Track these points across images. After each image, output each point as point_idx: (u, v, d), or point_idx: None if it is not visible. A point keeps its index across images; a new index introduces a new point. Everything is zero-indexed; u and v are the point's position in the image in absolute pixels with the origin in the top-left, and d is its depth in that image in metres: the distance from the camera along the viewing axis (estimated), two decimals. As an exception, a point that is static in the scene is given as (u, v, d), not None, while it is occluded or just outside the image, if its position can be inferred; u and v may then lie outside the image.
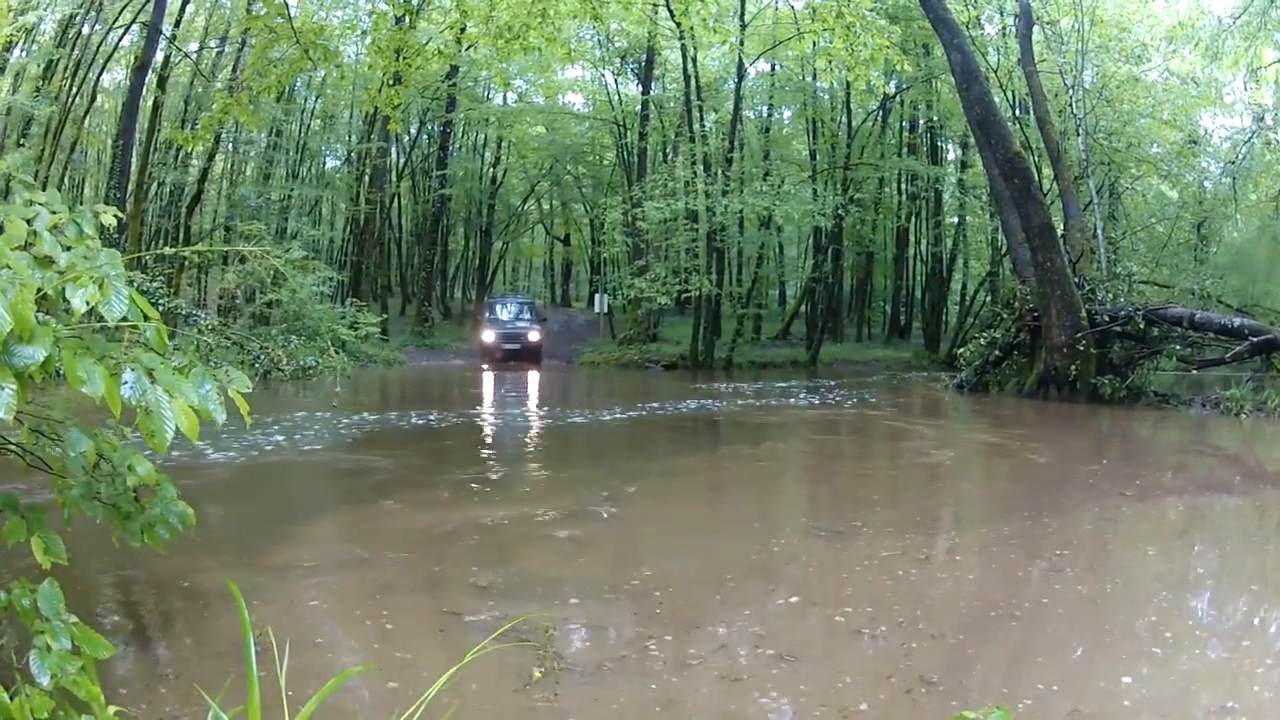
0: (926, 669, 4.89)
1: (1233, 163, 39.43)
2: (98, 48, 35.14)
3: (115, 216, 4.09)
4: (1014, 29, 30.60)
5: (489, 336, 39.11)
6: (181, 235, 39.25)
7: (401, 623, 5.56)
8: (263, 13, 16.12)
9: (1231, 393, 19.36)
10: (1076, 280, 22.10)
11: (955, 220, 48.95)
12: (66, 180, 37.98)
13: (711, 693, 4.62)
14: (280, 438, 13.55)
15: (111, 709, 3.22)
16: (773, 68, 47.07)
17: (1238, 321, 21.00)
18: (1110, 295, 22.59)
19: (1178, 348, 21.48)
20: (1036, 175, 26.32)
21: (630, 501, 9.84)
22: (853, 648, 5.34)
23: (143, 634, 5.23)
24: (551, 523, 8.61)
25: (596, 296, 48.80)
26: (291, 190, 44.80)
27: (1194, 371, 23.06)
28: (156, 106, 34.61)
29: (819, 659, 5.16)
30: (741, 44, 33.25)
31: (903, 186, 48.13)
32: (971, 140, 34.72)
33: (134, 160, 30.45)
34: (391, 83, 17.54)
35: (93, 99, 37.75)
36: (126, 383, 3.24)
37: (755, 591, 6.58)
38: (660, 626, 5.50)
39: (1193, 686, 4.85)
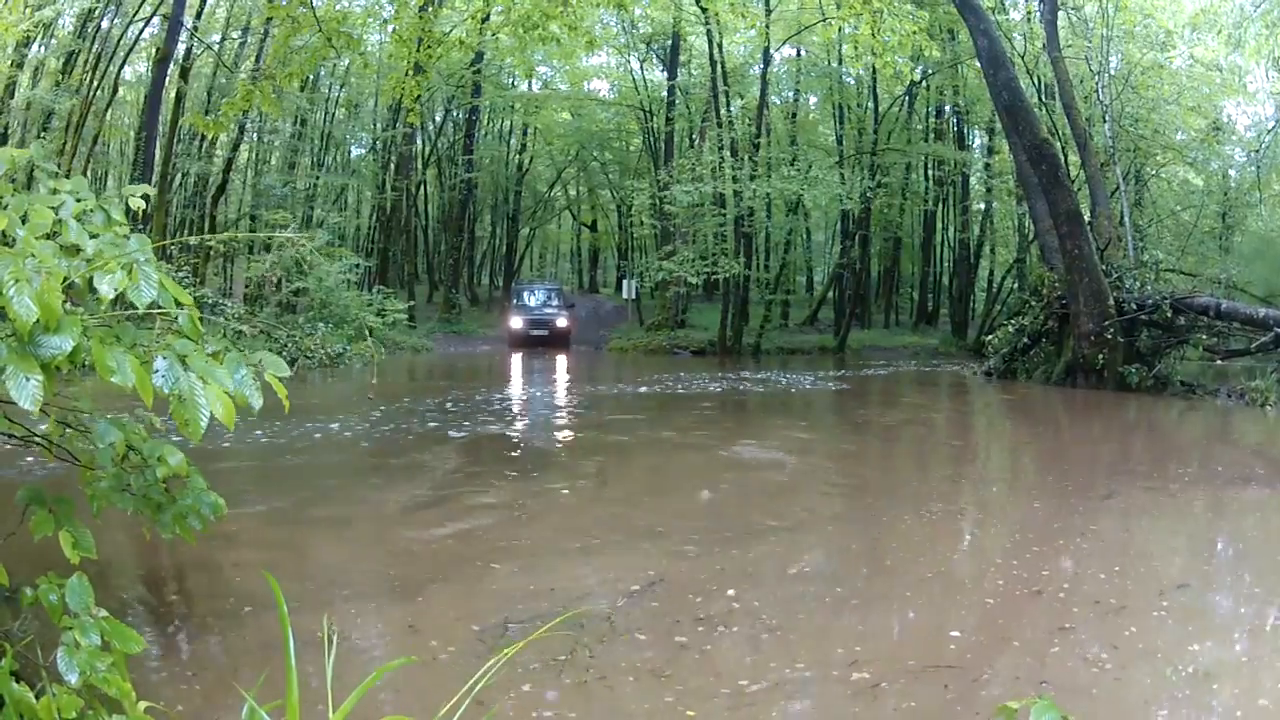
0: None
1: (1256, 151, 39.18)
2: (118, 41, 35.18)
3: (144, 197, 4.03)
4: (1039, 14, 30.31)
5: (517, 323, 39.21)
6: (207, 225, 39.39)
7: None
8: (284, 2, 16.12)
9: (1256, 384, 19.14)
10: (1104, 268, 21.89)
11: (982, 207, 48.82)
12: (89, 173, 38.07)
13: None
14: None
15: (142, 705, 3.16)
16: (798, 53, 46.99)
17: (1263, 312, 20.79)
18: (1138, 283, 22.36)
19: (1204, 337, 21.32)
20: (1064, 161, 26.13)
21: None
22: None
23: (175, 626, 5.15)
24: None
25: (624, 282, 48.94)
26: (317, 179, 44.93)
27: (1219, 361, 22.84)
28: (179, 98, 34.60)
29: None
30: (767, 29, 33.07)
31: (929, 172, 48.03)
32: (998, 126, 34.69)
33: (157, 151, 30.40)
34: (411, 73, 17.53)
35: (114, 92, 37.86)
36: (158, 371, 3.20)
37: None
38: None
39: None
